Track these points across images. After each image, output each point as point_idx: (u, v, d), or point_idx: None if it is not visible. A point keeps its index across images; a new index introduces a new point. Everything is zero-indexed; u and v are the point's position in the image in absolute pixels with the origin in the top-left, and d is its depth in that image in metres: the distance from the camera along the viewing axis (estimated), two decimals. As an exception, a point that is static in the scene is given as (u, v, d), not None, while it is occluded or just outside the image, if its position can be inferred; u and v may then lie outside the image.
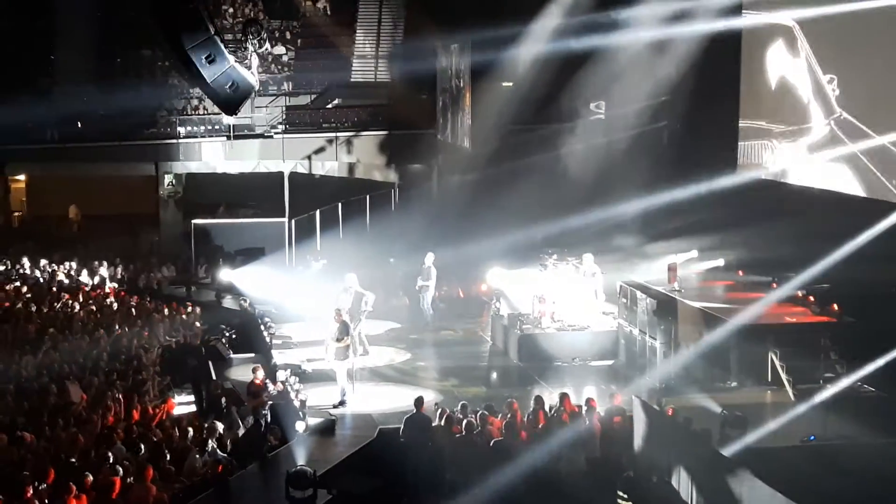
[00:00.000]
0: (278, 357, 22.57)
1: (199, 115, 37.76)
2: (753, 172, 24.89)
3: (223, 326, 24.53)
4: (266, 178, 37.37)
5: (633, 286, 22.39)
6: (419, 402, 17.16)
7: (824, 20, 21.17)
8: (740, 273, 23.68)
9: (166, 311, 26.17)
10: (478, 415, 17.04)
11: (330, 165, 37.85)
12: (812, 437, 16.85)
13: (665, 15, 27.39)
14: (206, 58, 14.44)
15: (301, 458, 16.14)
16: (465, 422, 16.58)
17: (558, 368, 22.14)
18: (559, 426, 16.71)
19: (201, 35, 14.08)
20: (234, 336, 24.10)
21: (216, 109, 32.84)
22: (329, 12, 41.89)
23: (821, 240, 20.76)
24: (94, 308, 25.78)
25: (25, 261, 31.80)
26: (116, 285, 30.31)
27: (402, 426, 16.85)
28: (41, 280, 30.12)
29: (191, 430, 16.69)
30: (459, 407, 17.35)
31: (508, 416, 17.02)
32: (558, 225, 28.58)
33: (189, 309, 26.76)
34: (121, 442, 15.71)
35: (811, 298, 20.95)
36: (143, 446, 15.70)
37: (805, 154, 22.76)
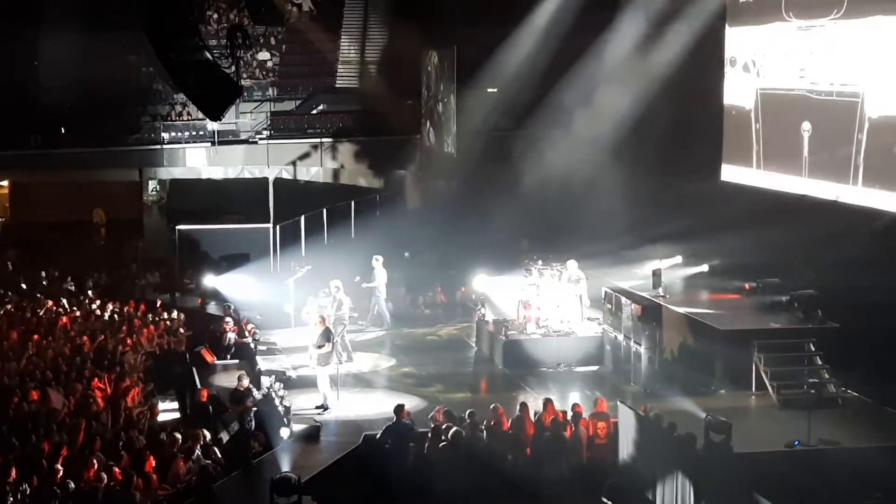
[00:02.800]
0: (263, 363, 22.53)
1: (183, 120, 37.70)
2: (738, 179, 24.96)
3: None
4: (250, 184, 37.31)
5: (618, 292, 22.44)
6: (398, 409, 17.14)
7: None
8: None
9: (150, 317, 26.07)
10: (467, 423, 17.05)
11: (315, 171, 37.82)
12: (796, 443, 16.88)
13: (650, 21, 27.51)
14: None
15: (286, 465, 16.13)
16: (452, 430, 16.55)
17: (543, 374, 22.15)
18: (544, 432, 16.71)
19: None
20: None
21: (200, 115, 32.90)
22: (314, 18, 41.86)
23: (805, 245, 20.83)
24: (78, 314, 25.67)
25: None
26: (100, 292, 30.13)
27: (381, 434, 16.87)
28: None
29: (176, 436, 16.61)
30: (444, 415, 17.35)
31: (493, 422, 17.02)
32: (542, 230, 28.66)
33: (174, 315, 26.66)
34: (105, 449, 15.65)
35: (796, 304, 21.00)
36: (126, 453, 15.63)
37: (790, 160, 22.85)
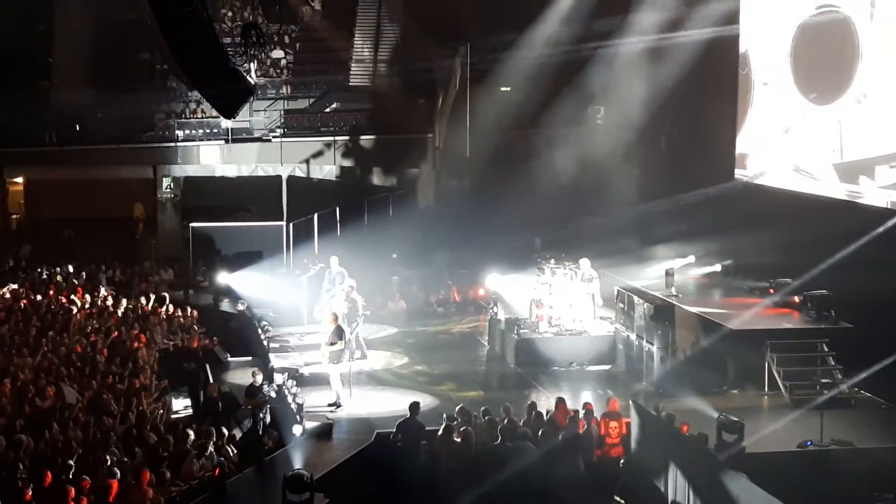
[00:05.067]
0: (276, 361, 22.58)
1: (197, 118, 37.76)
2: (750, 178, 24.93)
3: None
4: (264, 182, 37.38)
5: (631, 291, 22.44)
6: (414, 407, 17.17)
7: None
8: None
9: (163, 314, 26.15)
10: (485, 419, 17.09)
11: (328, 169, 37.86)
12: (809, 443, 16.87)
13: (663, 22, 27.49)
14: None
15: (298, 462, 16.16)
16: (463, 429, 16.58)
17: (555, 373, 22.17)
18: (557, 430, 16.72)
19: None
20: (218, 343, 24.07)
21: (214, 113, 32.97)
22: (327, 16, 41.89)
23: (818, 245, 20.79)
24: (91, 311, 25.76)
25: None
26: (114, 288, 30.24)
27: (394, 431, 16.91)
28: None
29: (189, 433, 16.65)
30: (458, 411, 17.38)
31: (505, 420, 17.03)
32: (555, 229, 28.68)
33: (187, 312, 26.74)
34: (118, 445, 15.70)
35: (809, 304, 20.97)
36: (139, 450, 15.69)
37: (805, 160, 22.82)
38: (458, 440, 16.33)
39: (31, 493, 13.39)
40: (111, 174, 38.00)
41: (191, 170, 37.74)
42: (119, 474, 14.22)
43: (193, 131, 37.47)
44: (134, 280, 31.96)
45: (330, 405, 19.56)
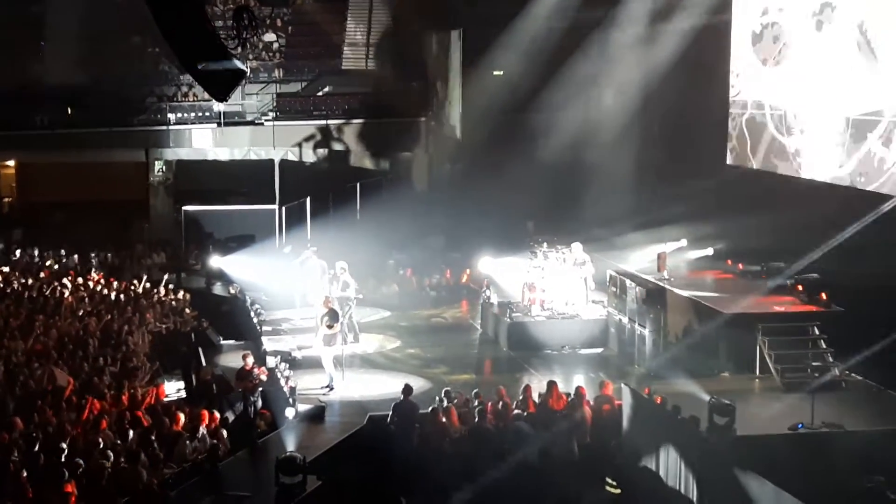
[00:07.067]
0: (268, 344, 22.59)
1: (189, 101, 37.67)
2: (743, 162, 24.96)
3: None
4: (256, 166, 37.32)
5: (623, 275, 22.48)
6: (407, 389, 17.22)
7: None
8: (729, 262, 23.78)
9: (156, 297, 26.12)
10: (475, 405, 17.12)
11: (320, 153, 37.82)
12: (800, 426, 16.93)
13: (656, 8, 27.50)
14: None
15: (291, 445, 16.18)
16: (452, 410, 16.62)
17: (548, 356, 22.21)
18: (549, 413, 16.77)
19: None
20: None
21: (207, 96, 32.81)
22: (320, -1, 41.81)
23: (811, 229, 20.84)
24: (83, 294, 25.72)
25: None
26: (106, 272, 30.20)
27: (389, 413, 16.95)
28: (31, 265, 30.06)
29: (181, 415, 16.67)
30: (447, 393, 17.43)
31: (499, 403, 17.07)
32: (548, 213, 28.72)
33: (179, 295, 26.71)
34: (111, 428, 15.70)
35: (800, 287, 21.03)
36: (132, 432, 15.70)
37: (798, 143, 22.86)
38: (447, 422, 16.37)
39: (24, 475, 13.39)
40: (103, 157, 37.92)
41: (183, 153, 37.64)
42: (112, 457, 14.24)
43: (185, 114, 37.38)
44: (126, 263, 31.92)
45: (322, 388, 19.60)
